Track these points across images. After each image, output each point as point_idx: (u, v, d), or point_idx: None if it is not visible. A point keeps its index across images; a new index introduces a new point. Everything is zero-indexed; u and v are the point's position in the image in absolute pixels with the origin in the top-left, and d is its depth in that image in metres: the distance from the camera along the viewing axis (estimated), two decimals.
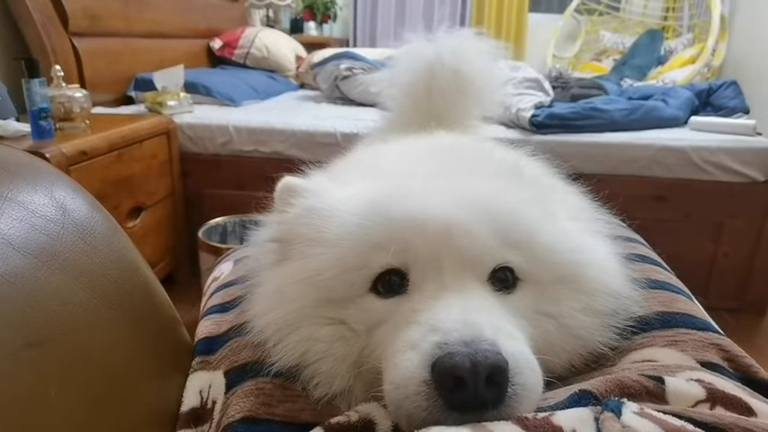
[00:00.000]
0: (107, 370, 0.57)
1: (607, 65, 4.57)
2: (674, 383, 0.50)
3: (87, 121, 2.05)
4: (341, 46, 4.68)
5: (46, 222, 0.57)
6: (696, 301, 0.74)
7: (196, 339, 0.76)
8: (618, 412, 0.43)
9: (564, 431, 0.42)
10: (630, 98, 2.68)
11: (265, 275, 0.66)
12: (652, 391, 0.49)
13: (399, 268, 0.56)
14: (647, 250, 0.91)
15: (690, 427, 0.42)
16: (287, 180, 0.66)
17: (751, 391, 0.51)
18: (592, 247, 0.63)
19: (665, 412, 0.44)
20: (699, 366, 0.56)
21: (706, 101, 2.75)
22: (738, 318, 2.30)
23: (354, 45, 5.18)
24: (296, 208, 0.64)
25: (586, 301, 0.59)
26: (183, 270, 2.52)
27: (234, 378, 0.64)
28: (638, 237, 0.99)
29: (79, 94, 2.03)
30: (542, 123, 2.33)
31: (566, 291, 0.59)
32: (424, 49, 1.20)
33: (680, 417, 0.43)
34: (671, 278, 0.79)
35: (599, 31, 5.06)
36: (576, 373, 0.60)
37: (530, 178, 0.68)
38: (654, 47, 4.41)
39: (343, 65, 3.10)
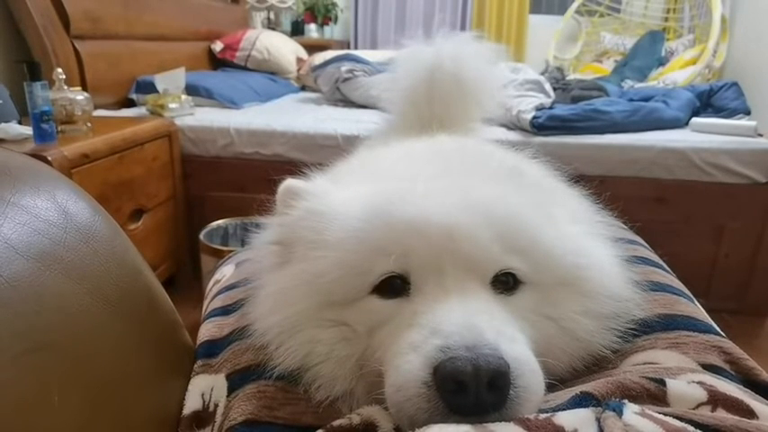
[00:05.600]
0: (109, 373, 0.58)
1: (608, 66, 4.56)
2: (675, 386, 0.50)
3: (89, 124, 2.06)
4: (342, 48, 4.68)
5: (48, 226, 0.57)
6: (697, 304, 0.74)
7: (198, 342, 0.76)
8: (619, 412, 0.43)
9: (565, 431, 0.42)
10: (631, 99, 2.68)
11: (267, 278, 0.66)
12: (653, 393, 0.49)
13: (401, 273, 0.56)
14: (647, 252, 0.91)
15: (690, 428, 0.42)
16: (288, 182, 0.67)
17: (752, 393, 0.52)
18: (593, 250, 0.64)
19: (666, 414, 0.44)
20: (700, 369, 0.56)
21: (707, 102, 2.75)
22: (739, 319, 2.29)
23: (355, 47, 5.19)
24: (297, 210, 0.64)
25: (587, 303, 0.59)
26: (184, 273, 2.52)
27: (236, 381, 0.64)
28: (638, 239, 0.99)
29: (81, 96, 2.03)
30: (543, 125, 2.33)
31: (567, 294, 0.59)
32: (423, 53, 1.20)
33: (681, 419, 0.43)
34: (672, 280, 0.79)
35: (600, 33, 5.06)
36: (577, 375, 0.60)
37: (531, 181, 0.68)
38: (654, 48, 4.41)
39: (344, 67, 3.10)
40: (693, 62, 3.95)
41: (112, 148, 1.99)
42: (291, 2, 4.74)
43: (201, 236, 2.22)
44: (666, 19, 4.94)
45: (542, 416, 0.44)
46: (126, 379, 0.60)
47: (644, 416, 0.43)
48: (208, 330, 0.77)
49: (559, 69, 3.88)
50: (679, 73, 3.86)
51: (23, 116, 2.02)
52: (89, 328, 0.56)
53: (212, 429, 0.62)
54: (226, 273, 0.93)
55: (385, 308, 0.56)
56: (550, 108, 2.44)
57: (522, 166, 0.74)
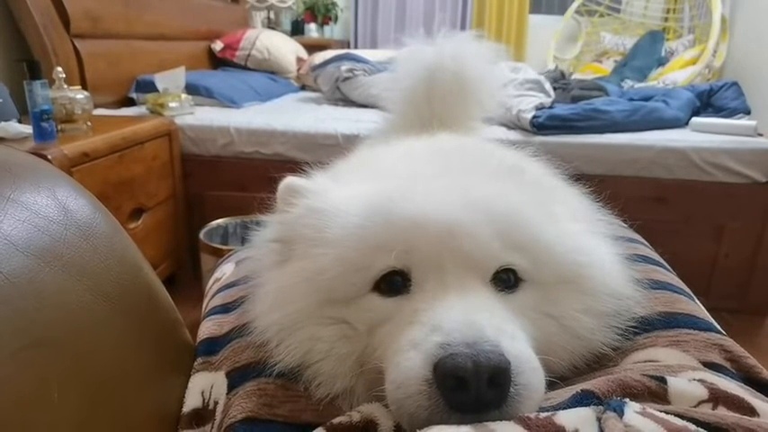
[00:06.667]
0: (109, 370, 0.58)
1: (608, 66, 4.56)
2: (676, 383, 0.50)
3: (89, 123, 2.05)
4: (342, 48, 4.68)
5: (48, 223, 0.57)
6: (698, 302, 0.74)
7: (198, 340, 0.76)
8: (620, 412, 0.43)
9: (566, 431, 0.42)
10: (631, 99, 2.68)
11: (267, 276, 0.66)
12: (654, 392, 0.49)
13: (401, 269, 0.56)
14: (648, 251, 0.91)
15: (692, 427, 0.42)
16: (289, 180, 0.67)
17: (753, 391, 0.51)
18: (593, 249, 0.63)
19: (667, 412, 0.44)
20: (701, 366, 0.56)
21: (707, 102, 2.75)
22: (740, 318, 2.29)
23: (355, 47, 5.18)
24: (298, 208, 0.64)
25: (588, 301, 0.59)
26: (184, 271, 2.52)
27: (236, 379, 0.64)
28: (639, 237, 0.99)
29: (81, 95, 2.03)
30: (543, 125, 2.33)
31: (567, 292, 0.59)
32: (424, 53, 1.20)
33: (682, 417, 0.43)
34: (672, 279, 0.79)
35: (600, 33, 5.06)
36: (578, 373, 0.60)
37: (531, 179, 0.68)
38: (654, 48, 4.41)
39: (344, 66, 3.10)
40: (693, 62, 3.95)
41: (112, 147, 1.98)
42: (291, 1, 4.74)
43: (201, 235, 2.22)
44: (666, 19, 4.94)
45: (543, 415, 0.44)
46: (126, 376, 0.60)
47: (645, 415, 0.43)
48: (208, 328, 0.77)
49: (562, 73, 3.87)
50: (679, 73, 3.86)
51: (23, 115, 2.02)
52: (89, 325, 0.56)
53: (212, 427, 0.62)
54: (226, 271, 0.93)
55: (385, 306, 0.56)
56: (550, 107, 2.44)
57: (523, 165, 0.74)
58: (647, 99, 2.68)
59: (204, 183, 2.53)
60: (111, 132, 2.02)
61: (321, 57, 3.56)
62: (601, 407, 0.45)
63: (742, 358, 0.58)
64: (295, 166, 0.80)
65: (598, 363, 0.61)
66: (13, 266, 0.50)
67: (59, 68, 2.03)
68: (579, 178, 0.83)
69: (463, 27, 5.15)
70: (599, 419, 0.43)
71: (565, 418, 0.44)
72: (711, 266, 2.36)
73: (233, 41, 3.76)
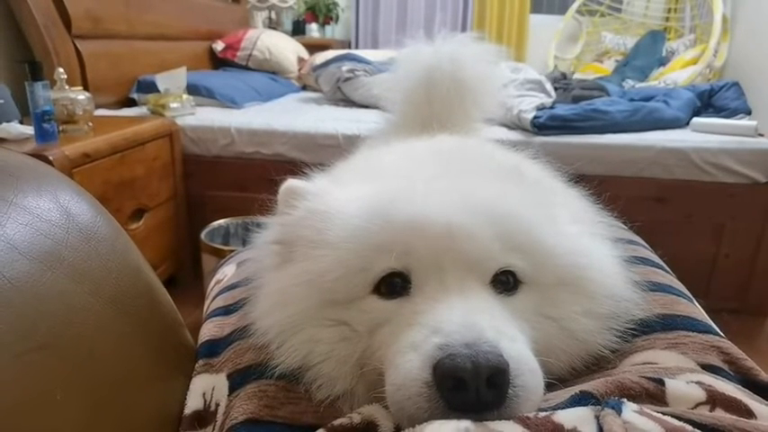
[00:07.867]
0: (111, 372, 0.58)
1: (609, 66, 4.56)
2: (674, 385, 0.50)
3: (90, 124, 2.06)
4: (343, 48, 4.67)
5: (50, 227, 0.57)
6: (697, 304, 0.74)
7: (199, 342, 0.77)
8: (618, 411, 0.43)
9: (565, 429, 0.43)
10: (632, 99, 2.68)
11: (268, 277, 0.66)
12: (652, 393, 0.49)
13: (401, 271, 0.56)
14: (647, 252, 0.91)
15: (689, 428, 0.42)
16: (290, 182, 0.67)
17: (751, 393, 0.52)
18: (593, 251, 0.64)
19: (664, 413, 0.44)
20: (699, 369, 0.56)
21: (708, 102, 2.75)
22: (739, 319, 2.29)
23: (356, 47, 5.18)
24: (298, 210, 0.64)
25: (587, 304, 0.60)
26: (185, 272, 2.52)
27: (237, 380, 0.64)
28: (638, 239, 0.99)
29: (82, 96, 2.04)
30: (544, 125, 2.34)
31: (567, 294, 0.59)
32: (422, 54, 1.20)
33: (680, 418, 0.43)
34: (672, 280, 0.80)
35: (600, 33, 5.05)
36: (576, 375, 0.60)
37: (531, 181, 0.68)
38: (655, 48, 4.41)
39: (345, 67, 3.11)
40: (694, 62, 3.94)
41: (114, 148, 1.99)
42: (292, 1, 4.74)
43: (202, 235, 2.22)
44: (667, 19, 4.94)
45: (542, 414, 0.45)
46: (127, 378, 0.60)
47: (643, 414, 0.43)
48: (209, 330, 0.77)
49: (563, 74, 3.86)
50: (680, 73, 3.86)
51: (25, 116, 2.02)
52: (91, 327, 0.56)
53: (213, 429, 0.63)
54: (227, 272, 0.94)
55: (385, 308, 0.57)
56: (551, 108, 2.45)
57: (523, 166, 0.75)
58: (647, 99, 2.68)
59: (205, 183, 2.54)
60: (112, 133, 2.03)
61: (322, 57, 3.56)
62: (599, 406, 0.45)
63: (740, 360, 0.58)
64: (296, 167, 0.81)
65: (597, 365, 0.61)
66: (15, 270, 0.50)
67: (61, 69, 2.04)
68: (579, 179, 0.83)
69: (464, 27, 5.15)
70: (597, 418, 0.43)
71: (563, 416, 0.44)
72: (711, 267, 2.37)
73: (234, 42, 3.76)
